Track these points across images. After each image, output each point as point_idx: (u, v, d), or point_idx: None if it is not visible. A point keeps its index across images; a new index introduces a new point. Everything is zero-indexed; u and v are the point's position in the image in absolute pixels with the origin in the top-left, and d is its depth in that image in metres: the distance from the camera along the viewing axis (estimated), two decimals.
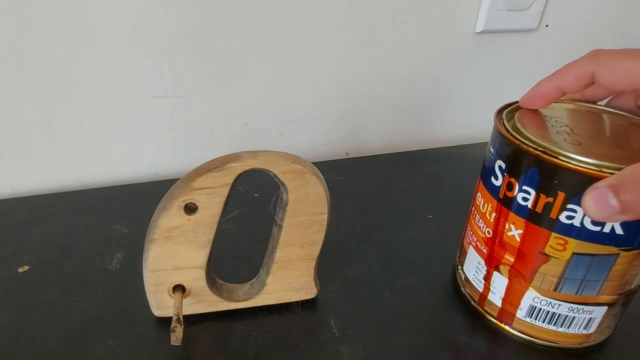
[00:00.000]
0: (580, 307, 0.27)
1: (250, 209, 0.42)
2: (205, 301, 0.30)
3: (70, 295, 0.32)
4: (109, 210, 0.42)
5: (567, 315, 0.28)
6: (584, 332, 0.28)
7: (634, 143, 0.26)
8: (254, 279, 0.32)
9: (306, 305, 0.32)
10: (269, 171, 0.27)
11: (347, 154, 0.57)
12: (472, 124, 0.61)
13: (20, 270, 0.34)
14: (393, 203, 0.45)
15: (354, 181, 0.48)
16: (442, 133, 0.61)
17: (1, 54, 0.39)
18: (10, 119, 0.42)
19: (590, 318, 0.28)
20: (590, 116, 0.29)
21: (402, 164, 0.52)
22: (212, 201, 0.27)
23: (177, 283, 0.29)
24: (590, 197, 0.21)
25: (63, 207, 0.42)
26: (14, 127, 0.43)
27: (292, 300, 0.32)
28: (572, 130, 0.27)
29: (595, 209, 0.20)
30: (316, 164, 0.29)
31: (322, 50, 0.49)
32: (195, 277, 0.29)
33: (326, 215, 0.29)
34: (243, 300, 0.31)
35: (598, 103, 0.31)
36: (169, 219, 0.27)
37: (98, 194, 0.45)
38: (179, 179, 0.27)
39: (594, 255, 0.25)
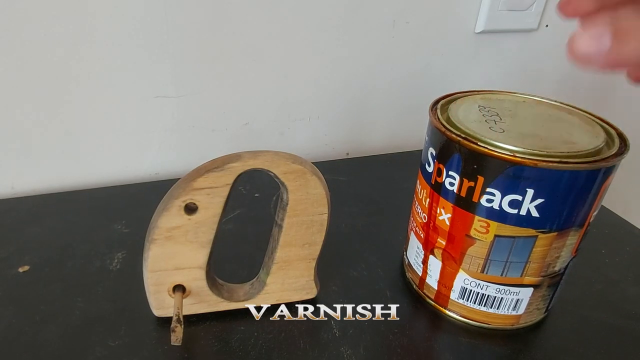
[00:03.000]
0: (506, 288, 0.28)
1: (251, 209, 0.42)
2: (205, 301, 0.30)
3: (70, 295, 0.32)
4: (109, 210, 0.42)
5: (495, 296, 0.29)
6: (514, 313, 0.30)
7: (556, 132, 0.27)
8: (254, 279, 0.32)
9: (307, 305, 0.32)
10: (269, 171, 0.27)
11: (348, 154, 0.57)
12: None
13: (21, 270, 0.34)
14: (393, 203, 0.45)
15: (355, 181, 0.48)
16: None
17: (1, 54, 0.39)
18: (10, 119, 0.42)
19: (518, 299, 0.29)
20: (524, 107, 0.30)
21: (402, 164, 0.52)
22: (212, 201, 0.27)
23: (177, 283, 0.29)
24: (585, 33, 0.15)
25: (63, 207, 0.42)
26: (14, 127, 0.43)
27: (293, 301, 0.32)
28: (501, 120, 0.28)
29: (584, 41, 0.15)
30: (317, 164, 0.29)
31: (322, 50, 0.49)
32: (195, 277, 0.29)
33: (326, 215, 0.29)
34: (243, 300, 0.31)
35: (538, 95, 0.32)
36: (169, 219, 0.27)
37: (98, 194, 0.45)
38: (179, 178, 0.27)
39: (514, 237, 0.26)
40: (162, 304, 0.30)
